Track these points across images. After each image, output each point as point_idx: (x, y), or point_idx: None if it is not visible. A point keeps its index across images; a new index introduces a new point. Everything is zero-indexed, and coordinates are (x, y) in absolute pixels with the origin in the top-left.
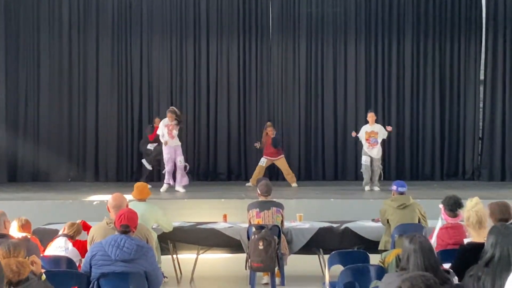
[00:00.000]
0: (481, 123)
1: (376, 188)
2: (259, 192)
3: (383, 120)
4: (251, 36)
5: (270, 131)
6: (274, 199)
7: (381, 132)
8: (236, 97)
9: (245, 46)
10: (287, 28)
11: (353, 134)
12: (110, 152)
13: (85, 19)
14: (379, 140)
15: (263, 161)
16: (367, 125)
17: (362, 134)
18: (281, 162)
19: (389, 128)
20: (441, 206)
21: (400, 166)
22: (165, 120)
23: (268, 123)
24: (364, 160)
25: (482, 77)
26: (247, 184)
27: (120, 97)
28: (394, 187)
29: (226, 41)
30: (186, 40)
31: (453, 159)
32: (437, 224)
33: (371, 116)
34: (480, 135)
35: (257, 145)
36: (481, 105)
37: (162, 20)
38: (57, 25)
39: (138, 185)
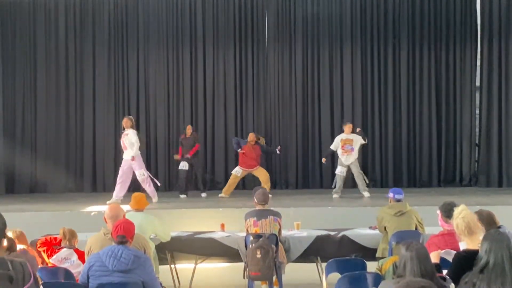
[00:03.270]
0: (477, 130)
1: (366, 194)
2: (256, 201)
3: (380, 127)
4: (247, 44)
5: (251, 138)
6: (272, 208)
7: (357, 141)
8: (233, 105)
9: (241, 54)
10: (283, 36)
11: (323, 160)
12: (108, 163)
13: (81, 28)
14: (355, 147)
15: (239, 171)
16: (343, 134)
17: (337, 143)
18: (260, 171)
19: (278, 148)
20: (438, 211)
21: (397, 172)
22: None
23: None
24: (340, 170)
25: (478, 84)
26: (220, 195)
27: (117, 106)
28: (390, 195)
29: (222, 49)
30: (183, 48)
31: (450, 165)
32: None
33: (348, 127)
34: (477, 142)
35: (279, 149)
36: (477, 111)
37: (158, 29)
38: (54, 35)
39: (135, 195)
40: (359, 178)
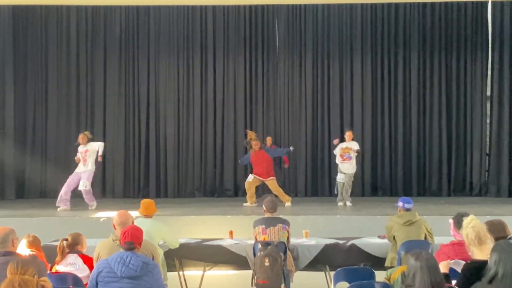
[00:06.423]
0: (488, 139)
1: (349, 203)
2: (264, 208)
3: (389, 136)
4: (257, 53)
5: (256, 144)
6: (280, 216)
7: (353, 147)
8: (243, 113)
9: (251, 63)
10: (293, 44)
11: (335, 141)
12: (117, 169)
13: (92, 36)
14: (353, 156)
15: (250, 177)
16: (344, 142)
17: (337, 151)
18: (272, 184)
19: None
20: (451, 221)
21: (407, 182)
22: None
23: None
24: (340, 178)
25: (488, 93)
26: (244, 204)
27: (127, 114)
28: (400, 204)
29: (232, 57)
30: (193, 57)
31: (460, 175)
32: None
33: (349, 134)
34: (487, 151)
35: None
36: (488, 121)
37: (169, 38)
38: (65, 43)
39: (144, 201)
40: (346, 190)
